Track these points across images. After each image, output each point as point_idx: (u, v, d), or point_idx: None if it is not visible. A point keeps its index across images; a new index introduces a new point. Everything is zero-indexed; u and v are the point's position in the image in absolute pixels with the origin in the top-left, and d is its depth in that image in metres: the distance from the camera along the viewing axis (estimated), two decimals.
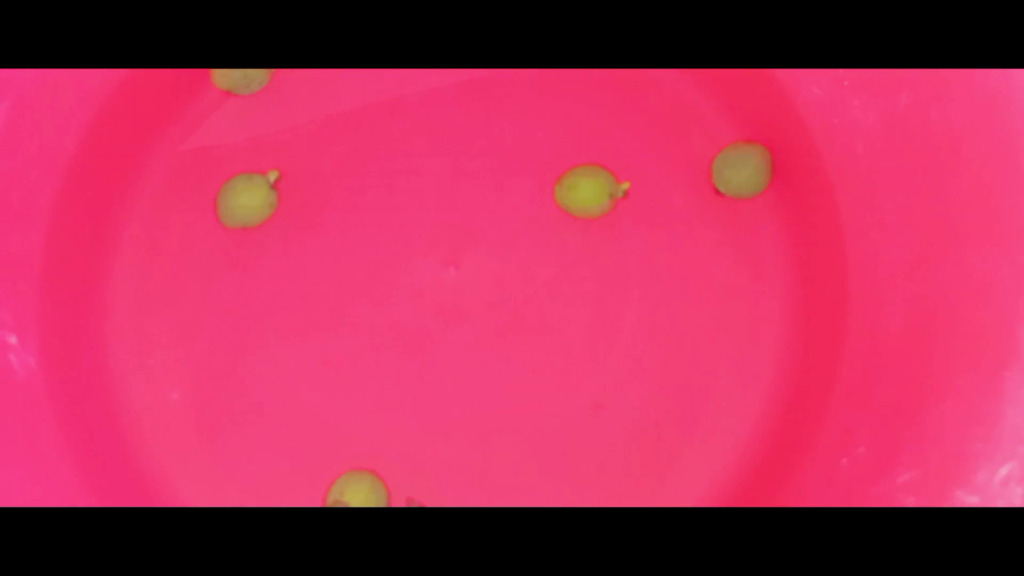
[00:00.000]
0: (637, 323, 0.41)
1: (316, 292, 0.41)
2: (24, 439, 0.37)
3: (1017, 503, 0.30)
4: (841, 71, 0.38)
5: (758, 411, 0.40)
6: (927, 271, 0.35)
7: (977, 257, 0.33)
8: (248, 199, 0.41)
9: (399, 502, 0.40)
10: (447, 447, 0.41)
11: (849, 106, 0.38)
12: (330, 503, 0.39)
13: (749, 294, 0.41)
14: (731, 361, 0.41)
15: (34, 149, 0.38)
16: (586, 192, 0.41)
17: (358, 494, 0.39)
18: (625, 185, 0.41)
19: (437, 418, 0.41)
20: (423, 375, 0.41)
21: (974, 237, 0.33)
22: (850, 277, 0.39)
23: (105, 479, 0.39)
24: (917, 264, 0.36)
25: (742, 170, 0.41)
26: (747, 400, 0.40)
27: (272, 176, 0.41)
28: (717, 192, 0.41)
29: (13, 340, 0.38)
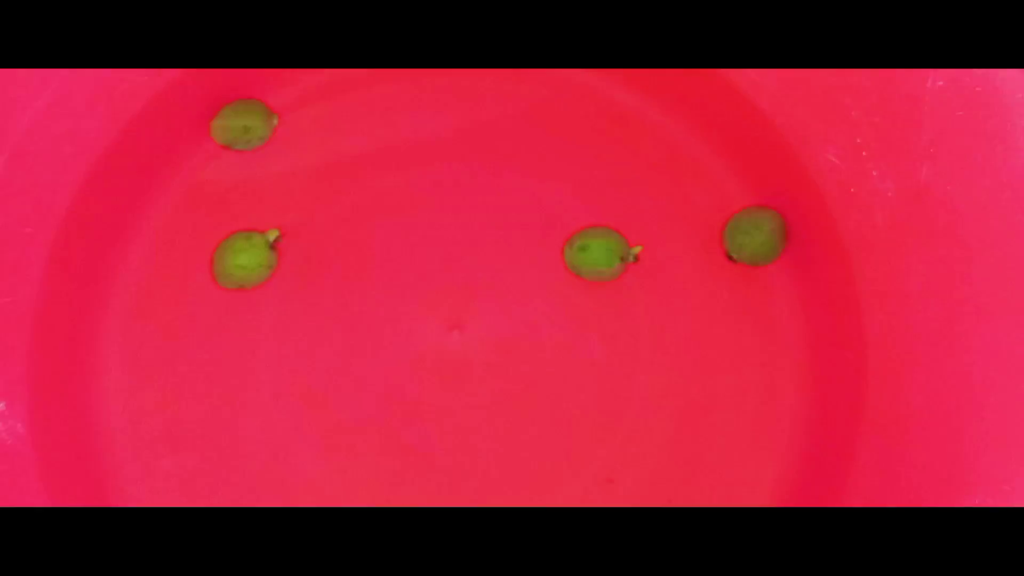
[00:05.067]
0: (648, 392, 0.40)
1: (314, 357, 0.40)
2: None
3: None
4: (859, 142, 0.37)
5: (773, 486, 0.39)
6: (951, 346, 0.34)
7: (1007, 334, 0.32)
8: (246, 259, 0.39)
9: None
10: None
11: (867, 176, 0.37)
12: None
13: (763, 365, 0.40)
14: (744, 434, 0.40)
15: (28, 204, 0.37)
16: (597, 255, 0.40)
17: None
18: (637, 249, 0.40)
19: (438, 490, 0.39)
20: (424, 445, 0.39)
21: (1003, 313, 0.32)
22: (868, 350, 0.38)
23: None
24: (940, 339, 0.35)
25: (755, 236, 0.40)
26: (761, 475, 0.39)
27: (272, 235, 0.40)
28: (729, 259, 0.40)
29: (1, 406, 0.36)
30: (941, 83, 0.33)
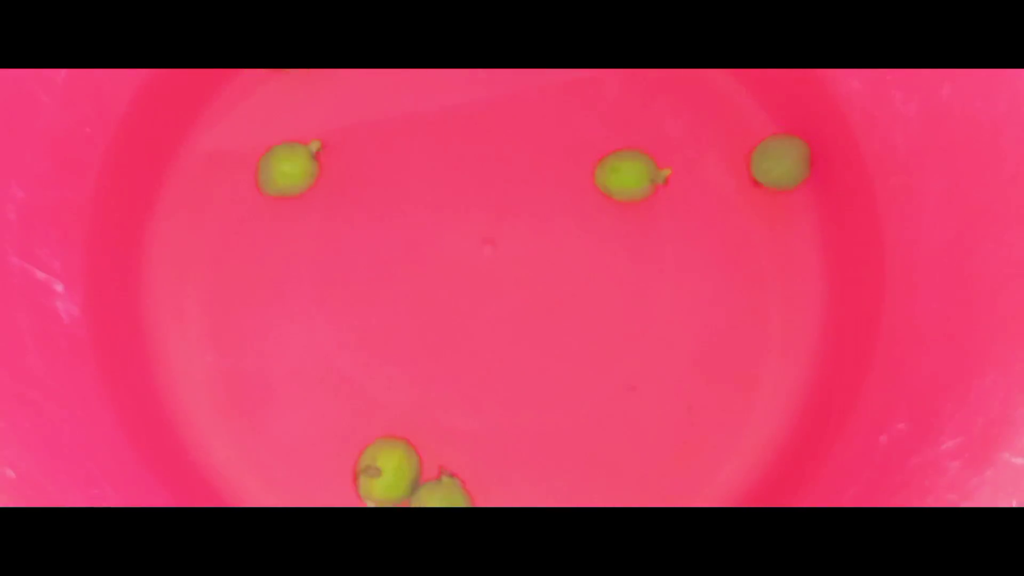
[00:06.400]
0: (672, 307, 0.41)
1: (353, 263, 0.42)
2: (67, 382, 0.37)
3: None
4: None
5: (792, 397, 0.41)
6: (965, 258, 0.36)
7: (1018, 239, 0.33)
8: (289, 167, 0.41)
9: (431, 471, 0.40)
10: (478, 420, 0.41)
11: (890, 99, 0.38)
12: (362, 468, 0.39)
13: (784, 282, 0.41)
14: (765, 347, 0.41)
15: (89, 106, 0.39)
16: (627, 176, 0.41)
17: (391, 460, 0.39)
18: (666, 171, 0.41)
19: (469, 391, 0.41)
20: (456, 349, 0.41)
21: (1014, 221, 0.34)
22: (886, 267, 0.39)
23: (141, 427, 0.39)
24: (955, 251, 0.36)
25: (781, 162, 0.41)
26: (780, 387, 0.41)
27: (314, 146, 0.41)
28: (756, 183, 0.42)
29: (60, 288, 0.38)
30: None
